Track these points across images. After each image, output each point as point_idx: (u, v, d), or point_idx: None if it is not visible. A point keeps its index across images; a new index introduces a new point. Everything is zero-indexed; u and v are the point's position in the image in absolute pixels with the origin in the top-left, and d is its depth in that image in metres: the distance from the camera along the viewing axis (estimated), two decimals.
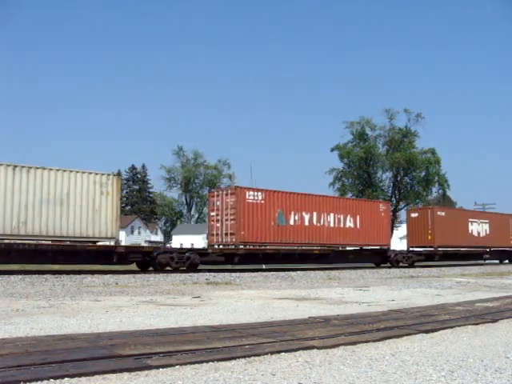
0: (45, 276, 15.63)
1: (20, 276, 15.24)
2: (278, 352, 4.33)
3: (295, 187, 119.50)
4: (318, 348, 4.55)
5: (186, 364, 3.86)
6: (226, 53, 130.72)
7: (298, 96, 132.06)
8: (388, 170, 55.81)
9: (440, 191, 57.24)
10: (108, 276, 16.31)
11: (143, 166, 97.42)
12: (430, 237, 30.24)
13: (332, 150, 55.64)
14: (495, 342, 5.18)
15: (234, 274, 18.46)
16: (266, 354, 4.25)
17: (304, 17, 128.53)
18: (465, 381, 3.61)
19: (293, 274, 19.55)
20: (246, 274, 18.69)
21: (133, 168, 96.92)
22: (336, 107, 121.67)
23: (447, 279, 17.06)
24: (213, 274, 18.36)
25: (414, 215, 32.11)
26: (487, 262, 35.71)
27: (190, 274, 18.30)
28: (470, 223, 32.83)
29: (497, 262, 36.64)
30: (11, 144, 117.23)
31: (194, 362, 3.91)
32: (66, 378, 3.38)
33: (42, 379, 3.31)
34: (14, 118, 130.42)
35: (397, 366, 4.01)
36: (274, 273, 20.05)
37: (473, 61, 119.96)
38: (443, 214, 31.29)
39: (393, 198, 54.89)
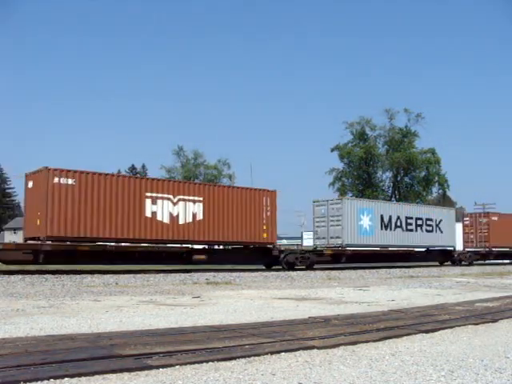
0: (45, 276, 15.63)
1: (20, 276, 15.24)
2: (278, 352, 4.33)
3: (295, 187, 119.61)
4: (318, 348, 4.55)
5: (185, 364, 3.86)
6: (225, 53, 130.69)
7: (298, 96, 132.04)
8: (388, 170, 55.88)
9: (440, 191, 57.29)
10: (108, 276, 16.32)
11: (143, 166, 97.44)
12: (39, 221, 17.88)
13: (332, 150, 55.70)
14: (495, 341, 5.17)
15: (233, 274, 18.47)
16: (266, 353, 4.25)
17: (304, 17, 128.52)
18: (465, 381, 3.61)
19: (293, 274, 19.55)
20: (246, 274, 18.70)
21: (133, 168, 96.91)
22: (336, 107, 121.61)
23: (447, 279, 17.07)
24: (213, 273, 18.37)
25: (30, 185, 19.04)
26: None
27: (190, 273, 18.31)
28: (148, 200, 19.65)
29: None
30: (10, 144, 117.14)
31: (194, 362, 3.91)
32: (66, 378, 3.38)
33: (41, 379, 3.31)
34: (13, 117, 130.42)
35: (397, 366, 4.01)
36: (274, 273, 20.07)
37: (473, 60, 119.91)
38: (70, 181, 18.09)
39: (393, 198, 54.87)
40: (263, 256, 23.50)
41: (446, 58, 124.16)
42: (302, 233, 60.00)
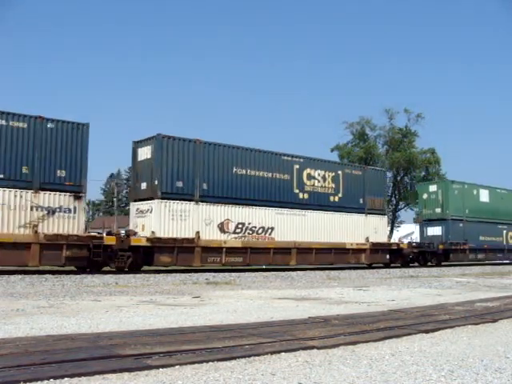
0: (45, 276, 15.63)
1: (20, 276, 15.23)
2: (278, 352, 4.33)
3: None
4: (318, 348, 4.55)
5: (186, 364, 3.86)
6: (225, 53, 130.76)
7: (297, 96, 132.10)
8: (388, 170, 55.83)
9: None
10: (108, 276, 16.32)
11: None
12: None
13: (332, 150, 55.66)
14: (495, 341, 5.17)
15: (233, 274, 18.47)
16: (266, 353, 4.25)
17: (303, 17, 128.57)
18: (465, 381, 3.61)
19: (293, 274, 19.55)
20: (246, 274, 18.70)
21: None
22: (336, 107, 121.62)
23: (447, 279, 17.06)
24: (213, 273, 18.37)
25: None
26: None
27: (189, 273, 18.32)
28: None
29: None
30: None
31: (193, 362, 3.91)
32: (66, 378, 3.38)
33: (41, 379, 3.30)
34: None
35: (397, 366, 4.01)
36: (274, 273, 20.07)
37: (474, 60, 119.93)
38: None
39: (393, 198, 54.86)
40: None
41: (446, 57, 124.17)
42: None
